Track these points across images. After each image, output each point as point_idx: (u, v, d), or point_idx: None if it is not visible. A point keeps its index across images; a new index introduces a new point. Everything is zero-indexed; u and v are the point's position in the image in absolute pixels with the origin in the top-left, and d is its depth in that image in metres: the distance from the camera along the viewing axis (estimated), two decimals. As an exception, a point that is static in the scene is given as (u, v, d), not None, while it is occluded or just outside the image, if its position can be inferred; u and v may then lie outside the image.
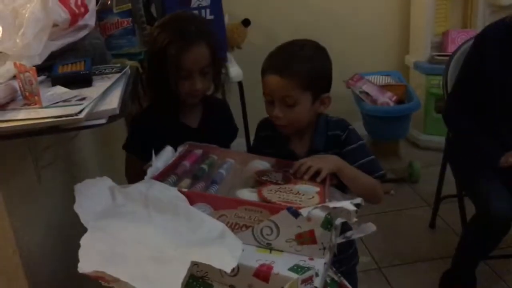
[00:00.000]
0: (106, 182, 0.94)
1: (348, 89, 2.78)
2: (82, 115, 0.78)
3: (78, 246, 0.80)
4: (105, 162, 1.67)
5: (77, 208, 0.86)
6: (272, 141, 1.26)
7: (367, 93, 2.68)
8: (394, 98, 2.67)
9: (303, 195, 1.01)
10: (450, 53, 2.82)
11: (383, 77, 2.86)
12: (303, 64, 1.16)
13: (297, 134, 1.25)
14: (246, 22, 2.13)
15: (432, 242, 2.20)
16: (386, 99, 2.66)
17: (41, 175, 1.19)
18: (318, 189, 1.05)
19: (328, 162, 1.11)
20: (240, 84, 1.91)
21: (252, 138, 1.38)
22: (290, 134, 1.24)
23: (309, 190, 1.04)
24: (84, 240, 0.81)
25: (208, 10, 1.76)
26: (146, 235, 0.85)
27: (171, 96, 1.26)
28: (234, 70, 1.78)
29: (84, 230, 0.84)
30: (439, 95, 2.85)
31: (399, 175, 2.67)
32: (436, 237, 2.24)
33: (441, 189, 2.21)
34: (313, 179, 1.09)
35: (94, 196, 0.90)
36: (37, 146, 1.16)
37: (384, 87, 2.73)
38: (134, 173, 1.02)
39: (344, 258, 1.25)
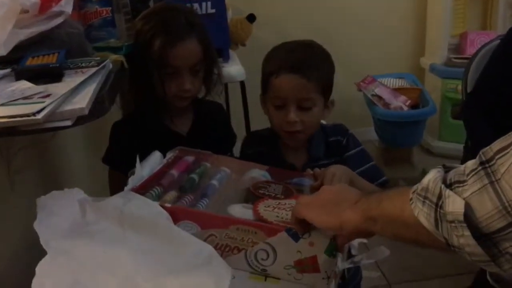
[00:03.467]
0: (76, 194, 0.81)
1: (359, 92, 2.63)
2: (39, 116, 0.65)
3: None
4: (93, 165, 1.54)
5: (37, 225, 0.73)
6: (264, 157, 1.13)
7: (379, 97, 2.54)
8: (408, 102, 2.52)
9: (306, 213, 0.87)
10: (469, 56, 2.69)
11: (397, 79, 2.72)
12: (321, 64, 1.08)
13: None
14: (251, 18, 1.99)
15: (447, 257, 2.03)
16: (400, 103, 2.51)
17: (15, 181, 1.06)
18: (323, 205, 0.92)
19: (344, 175, 0.98)
20: (242, 84, 1.77)
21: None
22: (297, 145, 1.14)
23: (313, 206, 0.90)
24: (40, 267, 0.67)
25: (209, 3, 1.62)
26: (117, 260, 0.71)
27: (157, 98, 1.13)
28: (236, 69, 1.64)
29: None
30: (455, 100, 2.70)
31: (411, 183, 2.51)
32: (452, 251, 2.08)
33: (458, 201, 2.05)
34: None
35: (60, 212, 0.77)
36: (9, 147, 1.03)
37: (397, 90, 2.58)
38: (118, 188, 0.88)
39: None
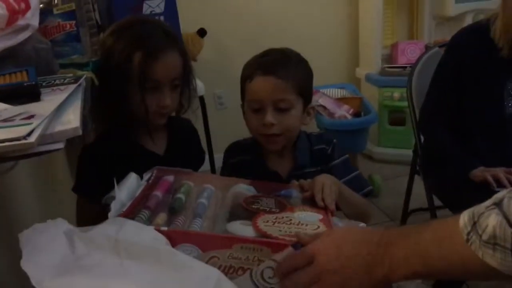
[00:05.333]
0: (61, 226, 0.72)
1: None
2: (32, 139, 0.58)
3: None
4: (47, 198, 1.41)
5: (25, 264, 0.64)
6: (248, 166, 1.12)
7: (324, 107, 2.59)
8: (351, 110, 2.60)
9: (307, 225, 0.85)
10: (401, 65, 2.85)
11: (338, 90, 2.79)
12: (297, 67, 1.07)
13: (276, 152, 1.13)
14: (202, 32, 1.95)
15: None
16: (344, 112, 2.58)
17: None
18: (320, 216, 0.90)
19: (333, 185, 0.96)
20: (201, 98, 1.72)
21: (217, 160, 1.22)
22: (277, 149, 1.12)
23: (311, 218, 0.88)
24: (39, 311, 0.59)
25: (161, 18, 1.56)
26: (122, 294, 0.64)
27: (130, 117, 1.06)
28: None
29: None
30: (391, 107, 2.83)
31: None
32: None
33: (409, 203, 2.13)
34: (311, 204, 0.94)
35: (47, 247, 0.68)
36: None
37: (340, 100, 2.65)
38: (89, 220, 0.80)
39: None
